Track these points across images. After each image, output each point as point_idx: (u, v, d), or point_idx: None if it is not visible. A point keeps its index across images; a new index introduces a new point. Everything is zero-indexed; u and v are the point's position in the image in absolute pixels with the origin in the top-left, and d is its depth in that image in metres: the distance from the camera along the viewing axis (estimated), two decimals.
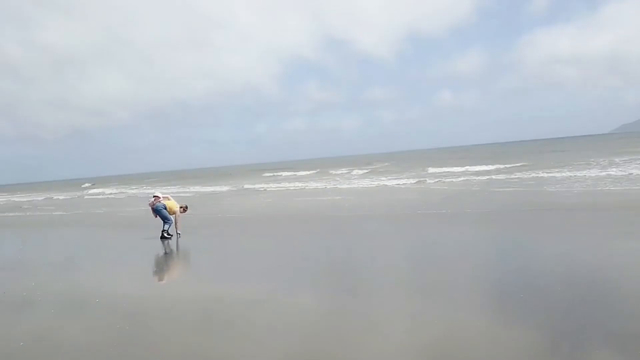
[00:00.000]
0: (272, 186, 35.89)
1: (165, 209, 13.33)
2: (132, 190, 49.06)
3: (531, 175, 25.71)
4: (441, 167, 40.37)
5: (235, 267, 9.28)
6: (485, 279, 7.18)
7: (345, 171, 49.89)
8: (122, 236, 15.85)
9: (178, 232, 13.36)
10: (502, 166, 35.14)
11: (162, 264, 10.64)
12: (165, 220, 13.25)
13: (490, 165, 36.18)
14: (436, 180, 29.00)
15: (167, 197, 13.81)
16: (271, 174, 56.52)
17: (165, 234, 13.14)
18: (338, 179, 39.54)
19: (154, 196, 13.56)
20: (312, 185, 34.03)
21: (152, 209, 13.42)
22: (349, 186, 30.02)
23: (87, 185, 71.24)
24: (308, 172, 52.78)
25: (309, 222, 15.61)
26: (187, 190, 40.69)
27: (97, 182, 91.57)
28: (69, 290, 8.09)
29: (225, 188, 38.91)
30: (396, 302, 6.18)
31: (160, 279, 9.23)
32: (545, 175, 25.38)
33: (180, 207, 13.77)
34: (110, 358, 4.83)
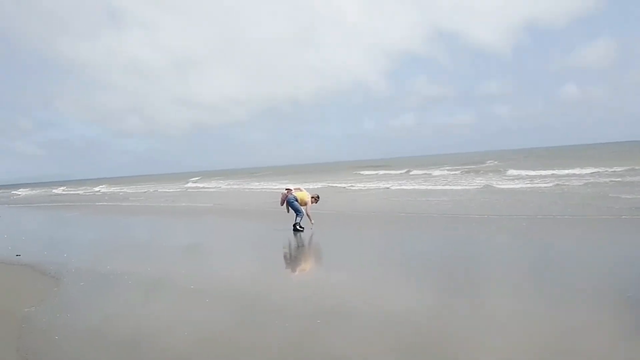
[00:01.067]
0: (369, 185, 33.85)
1: (297, 200, 13.35)
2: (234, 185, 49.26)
3: None
4: (557, 168, 33.23)
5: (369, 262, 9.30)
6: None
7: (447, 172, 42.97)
8: (255, 226, 15.92)
9: (312, 222, 13.32)
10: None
11: (297, 256, 10.72)
12: (297, 212, 13.29)
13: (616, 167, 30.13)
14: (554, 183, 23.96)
15: (298, 189, 13.80)
16: (373, 172, 52.96)
17: (298, 227, 13.14)
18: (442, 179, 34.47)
19: (286, 189, 13.64)
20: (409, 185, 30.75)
21: (285, 201, 13.48)
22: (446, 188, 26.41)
23: (195, 179, 71.63)
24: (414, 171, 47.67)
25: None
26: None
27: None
28: (223, 283, 8.13)
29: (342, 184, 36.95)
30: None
31: (296, 271, 9.31)
32: None
33: (312, 198, 13.69)
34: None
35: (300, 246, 11.41)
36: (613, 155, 48.70)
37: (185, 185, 55.37)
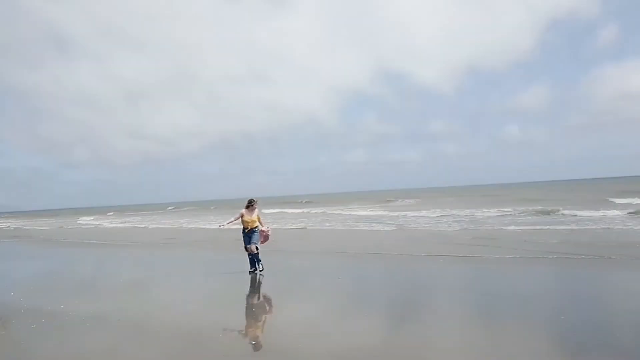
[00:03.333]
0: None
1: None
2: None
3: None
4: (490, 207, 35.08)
5: None
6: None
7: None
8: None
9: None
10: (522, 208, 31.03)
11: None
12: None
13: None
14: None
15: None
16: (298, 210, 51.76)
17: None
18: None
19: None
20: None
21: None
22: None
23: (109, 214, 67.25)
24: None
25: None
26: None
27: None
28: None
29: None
30: None
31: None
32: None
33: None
34: None
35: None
36: (541, 195, 52.34)
37: (78, 222, 52.66)
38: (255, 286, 10.12)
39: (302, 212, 45.60)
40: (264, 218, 11.88)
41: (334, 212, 41.06)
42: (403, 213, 34.02)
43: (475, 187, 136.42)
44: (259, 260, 11.36)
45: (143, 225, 37.90)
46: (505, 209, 30.63)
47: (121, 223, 43.92)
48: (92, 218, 60.29)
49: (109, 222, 46.92)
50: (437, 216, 29.30)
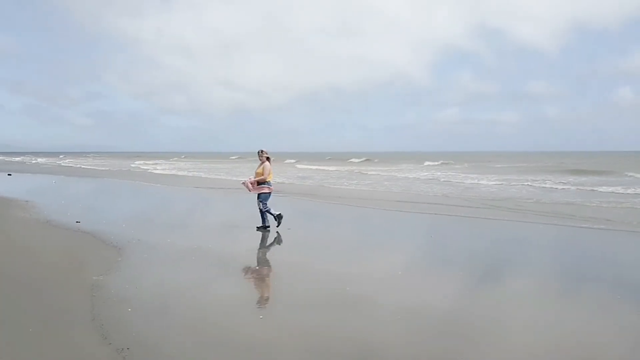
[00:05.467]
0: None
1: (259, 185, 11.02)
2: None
3: None
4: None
5: None
6: None
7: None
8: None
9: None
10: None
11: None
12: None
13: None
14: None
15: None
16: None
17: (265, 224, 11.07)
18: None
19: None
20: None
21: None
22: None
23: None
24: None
25: None
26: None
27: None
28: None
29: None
30: None
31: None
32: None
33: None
34: None
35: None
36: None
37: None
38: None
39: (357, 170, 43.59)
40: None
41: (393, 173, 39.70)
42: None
43: (579, 153, 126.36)
44: (263, 215, 10.95)
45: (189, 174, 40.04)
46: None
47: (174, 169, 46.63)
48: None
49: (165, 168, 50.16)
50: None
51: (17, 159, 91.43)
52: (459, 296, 6.28)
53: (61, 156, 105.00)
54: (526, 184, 24.96)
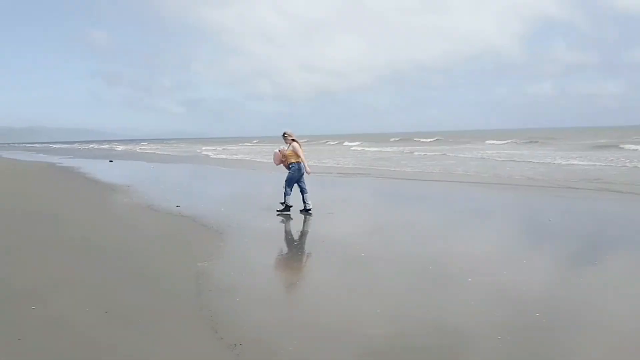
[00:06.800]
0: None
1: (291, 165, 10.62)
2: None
3: None
4: None
5: None
6: None
7: None
8: None
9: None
10: None
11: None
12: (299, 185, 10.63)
13: None
14: None
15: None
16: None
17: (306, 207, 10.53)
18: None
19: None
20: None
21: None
22: None
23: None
24: None
25: None
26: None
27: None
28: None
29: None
30: None
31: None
32: None
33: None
34: None
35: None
36: None
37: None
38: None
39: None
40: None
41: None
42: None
43: None
44: (285, 198, 10.46)
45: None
46: None
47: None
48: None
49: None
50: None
51: (103, 146, 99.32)
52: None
53: (143, 144, 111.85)
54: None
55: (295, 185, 10.53)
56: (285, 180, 10.56)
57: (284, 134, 10.83)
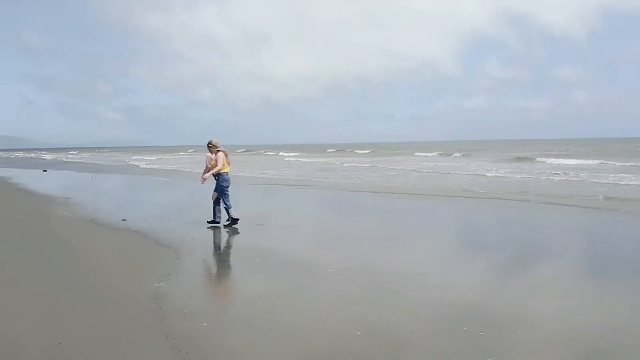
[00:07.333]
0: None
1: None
2: None
3: None
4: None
5: None
6: None
7: None
8: None
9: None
10: None
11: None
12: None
13: None
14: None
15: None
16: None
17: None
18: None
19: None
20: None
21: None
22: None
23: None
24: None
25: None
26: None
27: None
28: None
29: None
30: None
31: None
32: None
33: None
34: None
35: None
36: None
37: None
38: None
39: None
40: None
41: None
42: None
43: (609, 140, 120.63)
44: (216, 211, 10.20)
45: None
46: None
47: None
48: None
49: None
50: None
51: (19, 154, 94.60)
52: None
53: (72, 152, 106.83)
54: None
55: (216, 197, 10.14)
56: (219, 193, 10.07)
57: (209, 143, 10.28)
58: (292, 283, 6.14)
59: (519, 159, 37.74)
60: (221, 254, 7.81)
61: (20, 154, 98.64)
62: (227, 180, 10.13)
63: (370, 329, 4.57)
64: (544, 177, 21.63)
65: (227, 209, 10.08)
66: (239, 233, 9.52)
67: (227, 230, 9.79)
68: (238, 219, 10.02)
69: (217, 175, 10.09)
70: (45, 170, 33.42)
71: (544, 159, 36.33)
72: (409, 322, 4.78)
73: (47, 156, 77.94)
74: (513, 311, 5.11)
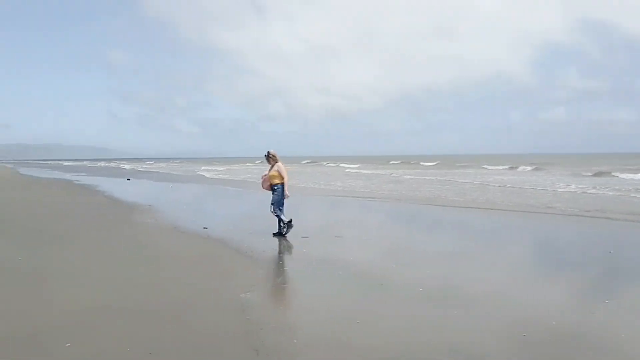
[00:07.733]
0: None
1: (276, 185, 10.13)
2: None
3: None
4: None
5: None
6: None
7: None
8: None
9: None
10: None
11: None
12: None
13: None
14: None
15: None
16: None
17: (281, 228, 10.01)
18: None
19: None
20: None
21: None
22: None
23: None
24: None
25: None
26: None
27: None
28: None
29: None
30: None
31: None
32: None
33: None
34: None
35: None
36: None
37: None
38: None
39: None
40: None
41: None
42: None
43: None
44: (280, 222, 9.91)
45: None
46: None
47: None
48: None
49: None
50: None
51: (101, 164, 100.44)
52: None
53: (148, 162, 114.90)
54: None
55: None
56: (272, 204, 9.95)
57: (267, 154, 10.18)
58: (381, 302, 5.78)
59: (598, 174, 35.10)
60: (303, 267, 7.57)
61: (103, 164, 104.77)
62: (284, 192, 10.03)
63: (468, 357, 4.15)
64: (619, 195, 19.79)
65: (280, 217, 9.90)
66: (317, 245, 9.28)
67: (304, 238, 9.60)
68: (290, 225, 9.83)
69: (275, 186, 9.97)
70: (129, 179, 35.01)
71: (617, 174, 33.56)
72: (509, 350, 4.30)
73: (127, 166, 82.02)
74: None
